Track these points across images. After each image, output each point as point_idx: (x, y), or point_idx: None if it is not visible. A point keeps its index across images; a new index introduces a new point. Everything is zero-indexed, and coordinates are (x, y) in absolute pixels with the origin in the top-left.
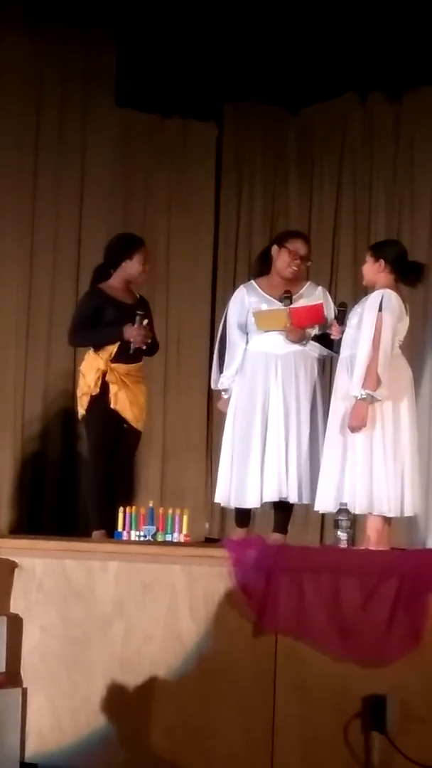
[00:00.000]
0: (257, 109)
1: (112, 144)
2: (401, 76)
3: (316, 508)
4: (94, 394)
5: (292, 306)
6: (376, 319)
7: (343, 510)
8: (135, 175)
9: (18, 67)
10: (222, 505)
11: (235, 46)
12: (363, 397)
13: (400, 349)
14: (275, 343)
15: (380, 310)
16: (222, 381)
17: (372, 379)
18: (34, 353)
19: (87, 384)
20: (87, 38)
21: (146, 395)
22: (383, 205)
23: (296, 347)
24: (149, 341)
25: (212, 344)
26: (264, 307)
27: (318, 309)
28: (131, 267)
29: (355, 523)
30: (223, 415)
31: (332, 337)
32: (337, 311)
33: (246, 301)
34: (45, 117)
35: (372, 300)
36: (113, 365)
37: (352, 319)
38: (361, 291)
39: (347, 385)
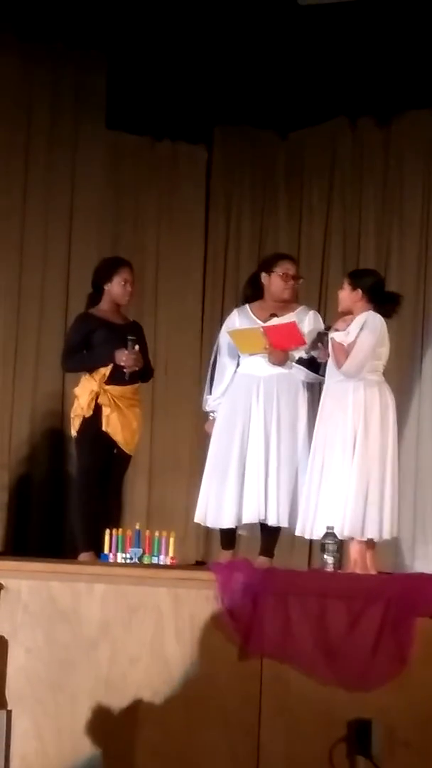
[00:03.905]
0: (247, 132)
1: (102, 166)
2: (390, 100)
3: (297, 533)
4: (87, 415)
5: (264, 324)
6: (356, 336)
7: (329, 534)
8: (125, 197)
9: (8, 88)
10: (201, 524)
11: (226, 69)
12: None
13: (383, 375)
14: (259, 366)
15: (362, 329)
16: (209, 403)
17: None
18: (22, 374)
19: (80, 406)
20: (78, 60)
21: (140, 419)
22: (373, 228)
23: (280, 370)
24: (140, 366)
25: (201, 366)
26: None
27: (291, 327)
28: (113, 289)
29: (343, 546)
30: (210, 437)
31: (318, 360)
32: (324, 334)
33: (237, 324)
34: (35, 138)
35: (357, 320)
36: (107, 387)
37: None
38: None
39: (333, 412)
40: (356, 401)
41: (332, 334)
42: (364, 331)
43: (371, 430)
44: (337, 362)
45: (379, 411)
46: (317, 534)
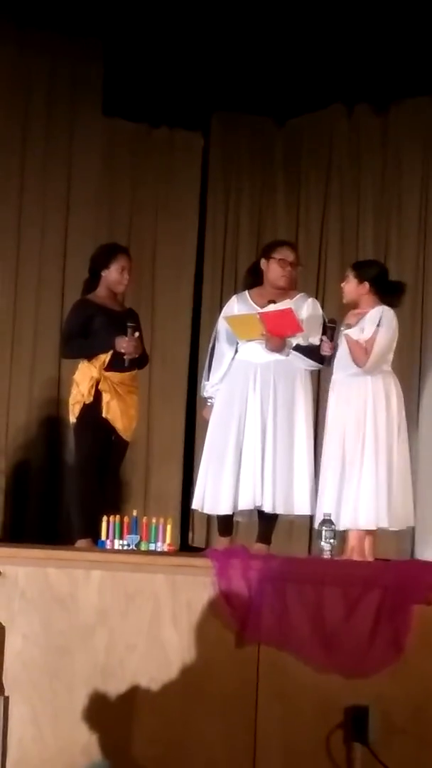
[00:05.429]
0: (244, 119)
1: (99, 153)
2: (387, 88)
3: (317, 527)
4: (87, 402)
5: (261, 311)
6: (373, 333)
7: (326, 521)
8: (121, 184)
9: (5, 76)
10: (198, 510)
11: (223, 56)
12: (346, 332)
13: (390, 366)
14: (256, 352)
15: (378, 325)
16: (207, 389)
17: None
18: (19, 361)
19: (81, 392)
20: (74, 48)
21: (138, 406)
22: (371, 216)
23: (277, 356)
24: (139, 353)
25: (192, 353)
26: None
27: (288, 314)
28: (110, 276)
29: (342, 533)
30: (207, 424)
31: (322, 353)
32: (327, 327)
33: (236, 310)
34: (32, 126)
35: (371, 316)
36: (107, 374)
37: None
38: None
39: (349, 403)
40: (376, 393)
41: (346, 331)
42: (381, 328)
43: (391, 420)
44: (358, 360)
45: (396, 402)
46: (343, 525)
